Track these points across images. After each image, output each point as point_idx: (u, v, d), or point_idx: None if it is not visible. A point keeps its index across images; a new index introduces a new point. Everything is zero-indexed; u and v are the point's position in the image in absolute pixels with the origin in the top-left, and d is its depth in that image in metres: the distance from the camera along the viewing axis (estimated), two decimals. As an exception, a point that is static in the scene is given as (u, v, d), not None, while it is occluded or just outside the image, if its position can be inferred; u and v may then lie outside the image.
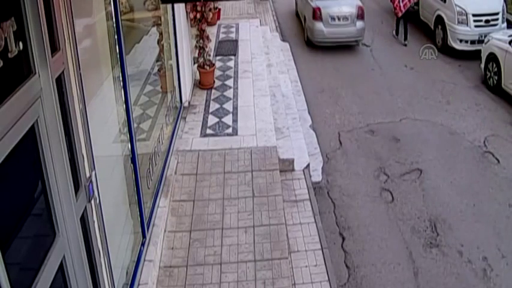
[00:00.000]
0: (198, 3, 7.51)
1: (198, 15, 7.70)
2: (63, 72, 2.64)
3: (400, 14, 11.57)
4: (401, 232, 5.71)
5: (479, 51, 9.89)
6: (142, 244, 4.56)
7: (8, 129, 2.06)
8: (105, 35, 3.96)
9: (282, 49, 11.06)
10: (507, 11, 11.56)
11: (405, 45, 11.67)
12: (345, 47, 11.57)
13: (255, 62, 9.10)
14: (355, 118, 8.30)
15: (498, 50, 8.99)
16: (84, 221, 2.90)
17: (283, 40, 11.91)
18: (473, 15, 10.67)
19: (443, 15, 11.21)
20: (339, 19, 11.16)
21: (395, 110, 8.58)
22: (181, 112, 7.16)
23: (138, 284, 4.20)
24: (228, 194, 5.64)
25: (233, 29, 11.09)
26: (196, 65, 8.09)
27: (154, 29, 6.29)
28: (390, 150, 7.35)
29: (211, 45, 8.90)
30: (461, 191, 6.41)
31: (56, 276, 2.50)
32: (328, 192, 6.39)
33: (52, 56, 2.48)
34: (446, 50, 10.99)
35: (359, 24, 11.22)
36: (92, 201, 3.04)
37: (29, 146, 2.34)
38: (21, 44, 2.20)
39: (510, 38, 8.79)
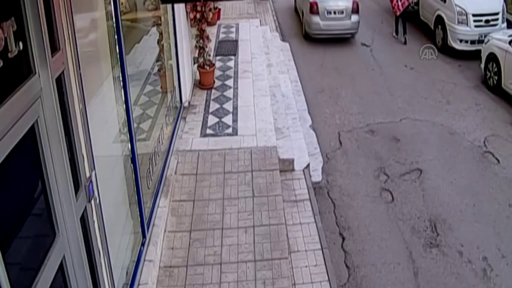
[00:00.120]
0: (198, 3, 7.51)
1: (198, 15, 7.70)
2: (63, 72, 2.64)
3: (398, 13, 11.70)
4: (401, 232, 5.71)
5: (479, 51, 9.89)
6: (142, 244, 4.56)
7: (8, 129, 2.06)
8: (105, 35, 3.96)
9: (282, 49, 11.06)
10: (507, 11, 11.56)
11: (405, 42, 11.72)
12: (344, 47, 11.59)
13: (255, 62, 9.10)
14: (355, 118, 8.30)
15: (498, 50, 8.99)
16: (84, 221, 2.90)
17: (283, 40, 11.92)
18: (473, 15, 10.67)
19: (443, 15, 11.21)
20: (334, 13, 11.65)
21: (395, 110, 8.58)
22: (181, 112, 7.16)
23: (138, 284, 4.20)
24: (228, 194, 5.64)
25: (233, 29, 11.09)
26: (196, 65, 8.09)
27: (154, 29, 6.29)
28: (390, 150, 7.35)
29: (211, 45, 8.90)
30: (461, 191, 6.41)
31: (56, 276, 2.50)
32: (328, 192, 6.39)
33: (52, 56, 2.48)
34: (446, 50, 10.99)
35: (354, 17, 11.68)
36: (92, 201, 3.04)
37: (29, 146, 2.34)
38: (21, 44, 2.20)
39: (510, 38, 8.79)
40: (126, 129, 4.27)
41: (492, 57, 9.16)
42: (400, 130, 7.93)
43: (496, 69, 9.03)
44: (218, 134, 6.69)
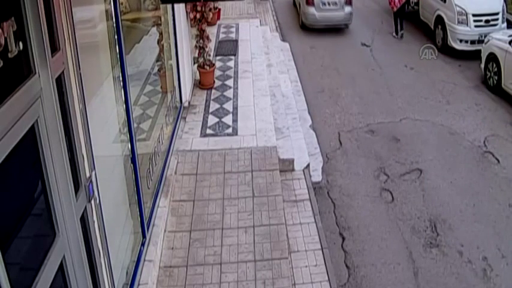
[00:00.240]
0: (198, 3, 7.51)
1: (198, 15, 7.70)
2: (63, 72, 2.64)
3: (395, 9, 11.94)
4: (401, 232, 5.71)
5: (479, 51, 9.89)
6: (142, 244, 4.56)
7: (8, 129, 2.06)
8: (105, 35, 3.96)
9: (282, 49, 11.06)
10: (507, 11, 11.56)
11: (401, 36, 11.96)
12: (345, 47, 11.59)
13: (255, 62, 9.10)
14: (355, 118, 8.30)
15: (498, 50, 9.00)
16: (84, 221, 2.90)
17: (283, 40, 11.91)
18: (473, 15, 10.67)
19: (443, 15, 11.21)
20: (329, 4, 12.45)
21: (395, 110, 8.58)
22: (181, 112, 7.15)
23: (138, 284, 4.20)
24: (228, 194, 5.64)
25: (233, 29, 11.09)
26: (196, 65, 8.09)
27: (154, 29, 6.29)
28: (390, 150, 7.35)
29: (211, 45, 8.90)
30: (461, 191, 6.41)
31: (56, 276, 2.50)
32: (328, 192, 6.39)
33: (52, 56, 2.48)
34: (446, 50, 10.99)
35: (347, 9, 12.49)
36: (92, 201, 3.04)
37: (29, 146, 2.34)
38: (21, 44, 2.20)
39: (510, 38, 8.79)
40: (126, 129, 4.27)
41: (492, 57, 9.16)
42: (400, 130, 7.93)
43: (496, 69, 9.03)
44: (218, 134, 6.69)
